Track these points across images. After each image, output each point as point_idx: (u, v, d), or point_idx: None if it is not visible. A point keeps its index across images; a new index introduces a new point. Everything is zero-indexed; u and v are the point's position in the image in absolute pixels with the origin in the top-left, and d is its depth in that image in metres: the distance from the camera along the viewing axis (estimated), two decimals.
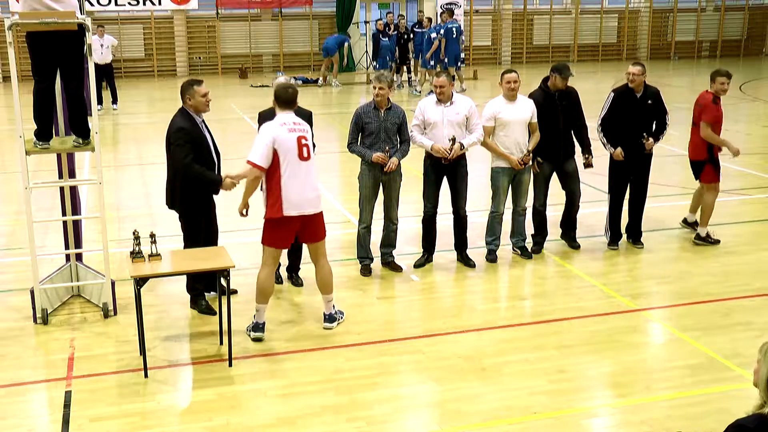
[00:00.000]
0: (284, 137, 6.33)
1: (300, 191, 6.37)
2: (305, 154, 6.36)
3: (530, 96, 8.28)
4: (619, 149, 8.24)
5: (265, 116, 7.44)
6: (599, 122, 8.36)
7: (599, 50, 28.89)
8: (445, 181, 7.99)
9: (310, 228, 6.57)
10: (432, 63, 20.23)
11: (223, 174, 6.82)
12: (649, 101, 8.31)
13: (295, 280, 7.82)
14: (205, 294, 7.20)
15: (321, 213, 6.60)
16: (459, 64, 20.56)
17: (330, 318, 6.78)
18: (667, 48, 29.59)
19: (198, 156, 6.71)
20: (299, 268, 7.88)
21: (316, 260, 6.73)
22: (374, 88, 7.59)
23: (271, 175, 6.35)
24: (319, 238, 6.65)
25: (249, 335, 6.53)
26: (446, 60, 20.06)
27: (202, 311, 7.00)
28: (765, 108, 18.79)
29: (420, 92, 19.94)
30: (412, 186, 9.74)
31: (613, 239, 8.66)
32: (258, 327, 6.53)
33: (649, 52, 29.15)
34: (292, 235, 6.55)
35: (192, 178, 6.69)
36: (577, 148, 8.44)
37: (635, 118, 8.25)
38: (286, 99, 6.48)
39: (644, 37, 29.28)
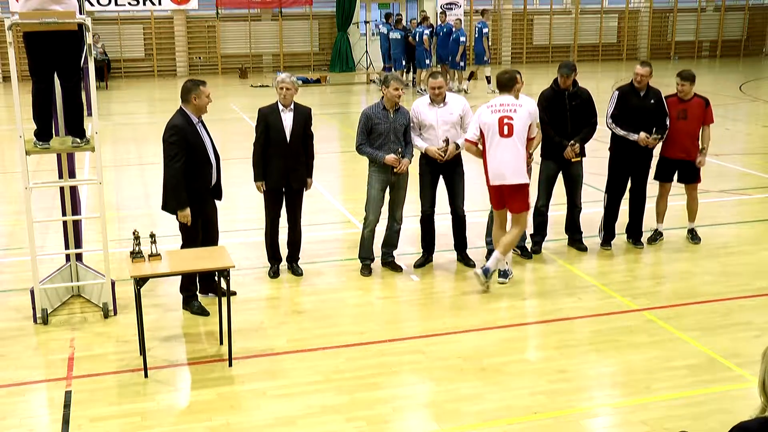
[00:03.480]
0: (486, 118, 7.35)
1: (499, 164, 7.33)
2: (506, 132, 7.28)
3: (541, 94, 8.28)
4: (643, 133, 8.18)
5: (264, 112, 7.53)
6: (610, 119, 8.35)
7: (599, 50, 28.89)
8: (442, 181, 7.99)
9: (510, 198, 7.47)
10: (462, 64, 20.62)
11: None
12: (652, 101, 8.31)
13: (295, 269, 7.89)
14: (205, 296, 7.21)
15: (524, 185, 7.40)
16: (462, 64, 20.78)
17: (504, 274, 7.66)
18: (667, 48, 29.60)
19: (192, 157, 6.73)
20: (299, 258, 7.94)
21: (512, 223, 7.59)
22: (395, 89, 7.55)
23: (483, 150, 7.44)
24: (516, 210, 7.50)
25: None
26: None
27: (194, 312, 7.00)
28: (765, 108, 18.80)
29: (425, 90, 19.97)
30: (412, 186, 9.74)
31: (606, 240, 8.66)
32: (486, 272, 7.45)
33: (649, 52, 29.15)
34: (500, 200, 7.52)
35: (169, 182, 6.72)
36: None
37: (637, 117, 8.24)
38: (502, 82, 7.48)
39: (644, 37, 29.29)
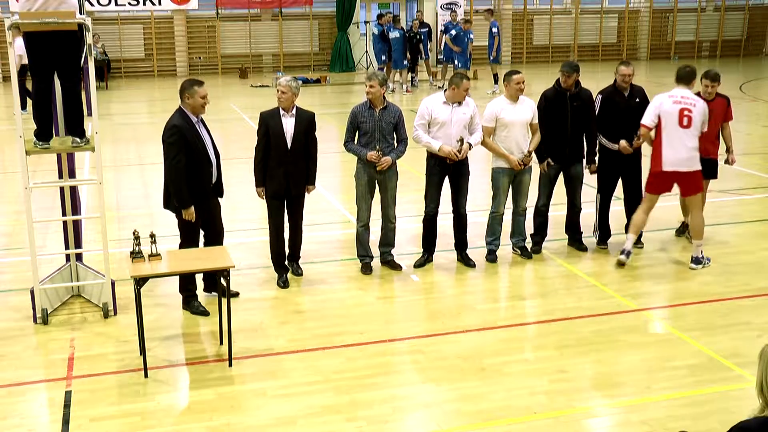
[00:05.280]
0: (667, 107, 7.83)
1: (675, 152, 7.81)
2: (685, 123, 7.76)
3: (543, 94, 8.29)
4: (623, 142, 8.23)
5: (265, 116, 7.50)
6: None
7: (599, 50, 28.88)
8: (446, 179, 7.99)
9: (685, 184, 7.97)
10: (468, 64, 20.76)
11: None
12: (637, 99, 8.34)
13: (295, 270, 7.89)
14: (208, 294, 7.21)
15: (697, 172, 7.88)
16: (468, 64, 20.84)
17: (696, 260, 8.06)
18: (667, 48, 29.59)
19: (192, 157, 6.73)
20: (299, 258, 7.93)
21: (690, 210, 8.12)
22: (370, 86, 7.59)
23: (657, 137, 7.91)
24: (691, 193, 7.99)
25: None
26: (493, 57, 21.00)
27: (194, 312, 7.00)
28: (765, 108, 18.79)
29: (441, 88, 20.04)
30: (412, 185, 9.75)
31: (602, 239, 8.67)
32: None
33: (649, 52, 29.16)
34: (669, 186, 8.03)
35: (171, 181, 6.75)
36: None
37: (624, 118, 8.25)
38: (681, 75, 7.94)
39: (644, 37, 29.28)
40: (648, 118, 7.94)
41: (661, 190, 8.07)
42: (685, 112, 7.77)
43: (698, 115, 7.82)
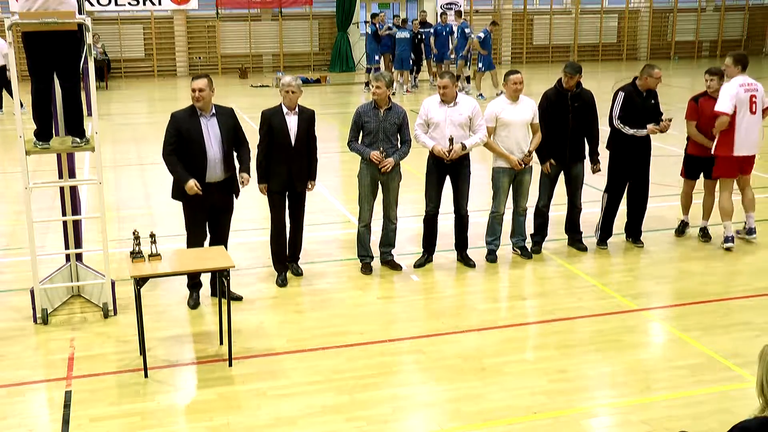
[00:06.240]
0: (742, 95, 8.25)
1: (747, 137, 8.30)
2: (754, 110, 8.30)
3: (544, 94, 8.29)
4: (650, 125, 8.30)
5: (267, 115, 7.50)
6: (617, 118, 8.34)
7: (599, 50, 28.91)
8: (447, 180, 7.99)
9: (749, 166, 8.52)
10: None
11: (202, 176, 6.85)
12: (652, 101, 8.38)
13: (295, 269, 7.89)
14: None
15: (754, 155, 8.43)
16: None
17: (750, 231, 8.68)
18: (667, 48, 29.62)
19: (184, 148, 6.80)
20: (299, 258, 7.94)
21: (743, 187, 8.63)
22: (376, 87, 7.60)
23: (732, 123, 8.23)
24: (749, 172, 8.53)
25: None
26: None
27: (188, 305, 7.11)
28: None
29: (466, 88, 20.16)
30: (413, 186, 9.75)
31: (603, 239, 8.67)
32: (728, 239, 8.49)
33: (649, 52, 29.17)
34: (737, 169, 8.46)
35: (166, 164, 6.91)
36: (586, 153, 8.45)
37: (641, 117, 8.30)
38: (745, 62, 8.47)
39: (644, 37, 29.31)
40: (727, 107, 8.20)
41: (733, 173, 8.46)
42: (753, 99, 8.27)
43: (760, 100, 8.31)
